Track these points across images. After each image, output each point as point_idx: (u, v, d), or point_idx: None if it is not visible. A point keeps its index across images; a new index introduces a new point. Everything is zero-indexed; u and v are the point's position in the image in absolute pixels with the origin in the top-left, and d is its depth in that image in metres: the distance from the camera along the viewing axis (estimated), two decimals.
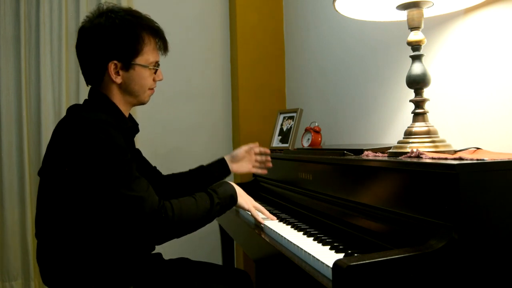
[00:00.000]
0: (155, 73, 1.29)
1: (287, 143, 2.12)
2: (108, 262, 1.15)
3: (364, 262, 0.73)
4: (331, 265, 0.80)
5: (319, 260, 0.91)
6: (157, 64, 1.29)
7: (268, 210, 1.56)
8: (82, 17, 2.54)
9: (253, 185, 2.12)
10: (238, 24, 2.71)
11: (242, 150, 1.66)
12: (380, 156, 1.16)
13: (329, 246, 1.03)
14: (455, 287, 0.78)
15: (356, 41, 1.91)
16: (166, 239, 1.14)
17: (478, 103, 1.23)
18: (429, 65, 1.37)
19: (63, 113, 2.54)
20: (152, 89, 1.30)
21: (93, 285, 1.13)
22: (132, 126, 1.29)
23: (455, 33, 1.32)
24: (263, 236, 1.27)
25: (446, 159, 0.90)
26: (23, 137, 2.50)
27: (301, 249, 1.01)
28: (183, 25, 2.79)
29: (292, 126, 2.15)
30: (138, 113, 2.54)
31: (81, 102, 2.56)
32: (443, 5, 1.22)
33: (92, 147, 1.08)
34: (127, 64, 1.22)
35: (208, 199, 1.21)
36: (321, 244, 1.07)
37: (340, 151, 1.27)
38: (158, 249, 1.37)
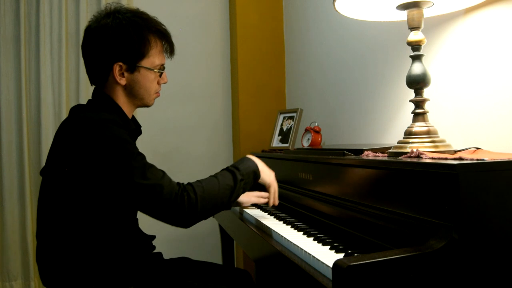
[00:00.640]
0: (160, 76, 1.28)
1: (287, 143, 2.12)
2: (109, 262, 1.15)
3: (364, 262, 0.73)
4: (331, 265, 0.80)
5: (319, 260, 0.91)
6: (162, 67, 1.28)
7: (268, 210, 1.56)
8: (82, 17, 2.59)
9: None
10: (238, 24, 2.71)
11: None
12: (380, 156, 1.16)
13: (329, 246, 1.03)
14: (455, 287, 0.78)
15: (356, 41, 1.91)
16: (193, 222, 1.13)
17: (478, 103, 1.23)
18: (429, 65, 1.37)
19: (63, 113, 2.54)
20: (157, 92, 1.30)
21: (93, 286, 1.12)
22: (135, 129, 1.29)
23: (455, 33, 1.32)
24: (263, 236, 1.27)
25: (446, 159, 0.90)
26: (23, 137, 2.50)
27: (301, 249, 1.01)
28: (183, 25, 2.79)
29: (292, 126, 2.15)
30: (138, 113, 2.54)
31: (81, 102, 2.59)
32: (443, 5, 1.22)
33: (100, 144, 1.08)
34: (132, 66, 1.21)
35: (231, 177, 1.20)
36: (321, 244, 1.07)
37: (340, 151, 1.27)
38: (158, 248, 1.37)
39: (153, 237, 1.33)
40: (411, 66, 1.16)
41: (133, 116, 1.32)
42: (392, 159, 1.04)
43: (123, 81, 1.22)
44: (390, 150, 1.15)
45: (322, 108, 2.26)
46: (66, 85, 2.57)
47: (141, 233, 1.30)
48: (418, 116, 1.15)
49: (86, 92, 2.58)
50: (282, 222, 1.37)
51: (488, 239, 0.80)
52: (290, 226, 1.30)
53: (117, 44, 1.19)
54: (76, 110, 1.22)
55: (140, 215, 1.23)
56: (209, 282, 1.32)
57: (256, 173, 1.28)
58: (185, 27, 2.80)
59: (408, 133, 1.14)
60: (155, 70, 1.25)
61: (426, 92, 1.17)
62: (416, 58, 1.16)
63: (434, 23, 1.37)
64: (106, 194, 1.11)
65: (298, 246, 1.03)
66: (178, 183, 1.12)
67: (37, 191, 2.54)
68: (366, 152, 1.22)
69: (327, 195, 1.30)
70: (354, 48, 1.93)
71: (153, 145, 2.70)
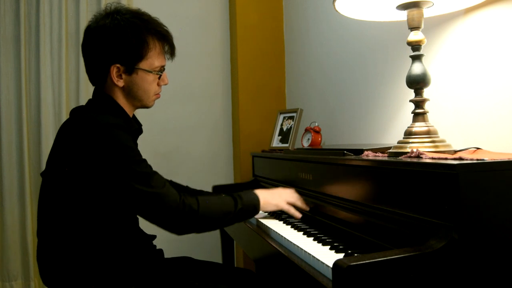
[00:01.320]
0: (159, 77, 1.27)
1: (287, 143, 2.12)
2: (109, 262, 1.15)
3: (364, 262, 0.73)
4: (331, 265, 0.80)
5: (319, 260, 0.91)
6: (162, 68, 1.27)
7: (268, 210, 1.55)
8: (82, 17, 2.59)
9: (253, 185, 2.11)
10: (238, 24, 2.71)
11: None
12: (380, 156, 1.16)
13: (329, 246, 1.03)
14: (455, 287, 0.78)
15: (356, 41, 1.91)
16: (189, 229, 1.15)
17: (478, 103, 1.23)
18: (429, 65, 1.37)
19: (63, 113, 2.54)
20: (157, 94, 1.30)
21: (94, 286, 1.12)
22: (136, 129, 1.29)
23: (455, 33, 1.32)
24: (263, 236, 1.27)
25: (446, 159, 0.90)
26: (23, 137, 2.50)
27: (301, 249, 1.01)
28: (183, 25, 2.79)
29: (292, 126, 2.15)
30: (138, 113, 2.53)
31: (81, 102, 2.59)
32: (443, 5, 1.22)
33: (104, 149, 1.08)
34: (130, 68, 1.21)
35: (232, 202, 1.21)
36: (321, 244, 1.07)
37: (340, 151, 1.27)
38: (159, 246, 1.37)
39: (154, 236, 1.34)
40: (411, 66, 1.16)
41: (133, 115, 1.32)
42: (392, 159, 1.04)
43: (120, 83, 1.22)
44: (390, 150, 1.15)
45: (322, 108, 2.26)
46: (66, 85, 2.57)
47: (141, 233, 1.30)
48: (418, 116, 1.15)
49: (86, 92, 2.58)
50: (282, 222, 1.37)
51: (488, 239, 0.80)
52: (290, 226, 1.30)
53: (114, 46, 1.18)
54: (77, 112, 1.21)
55: None
56: (211, 281, 1.32)
57: (256, 207, 1.27)
58: (185, 27, 2.80)
59: (408, 133, 1.14)
60: (154, 72, 1.24)
61: (426, 92, 1.17)
62: (416, 58, 1.16)
63: (434, 23, 1.37)
64: (107, 197, 1.11)
65: (298, 246, 1.03)
66: (179, 193, 1.14)
67: (37, 191, 2.54)
68: (366, 152, 1.22)
69: (327, 195, 1.30)
70: (354, 48, 1.93)
71: (153, 145, 2.70)
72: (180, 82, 2.77)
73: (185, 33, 2.79)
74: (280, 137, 2.23)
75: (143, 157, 1.52)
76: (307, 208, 1.38)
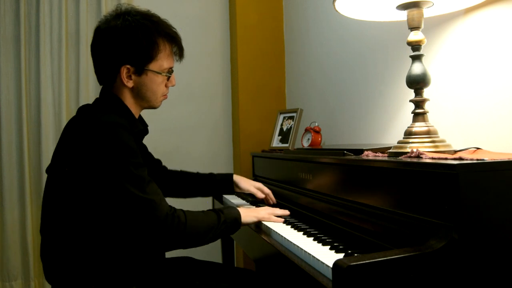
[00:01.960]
0: (168, 79, 1.28)
1: (287, 143, 2.12)
2: (111, 261, 1.15)
3: (364, 262, 0.73)
4: (331, 265, 0.80)
5: (319, 260, 0.91)
6: (170, 70, 1.28)
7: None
8: (82, 17, 2.59)
9: None
10: (238, 24, 2.71)
11: (252, 189, 1.60)
12: (380, 156, 1.16)
13: (329, 246, 1.03)
14: (455, 287, 0.78)
15: (356, 41, 1.91)
16: (174, 246, 1.14)
17: (478, 103, 1.23)
18: (429, 65, 1.37)
19: (63, 113, 2.54)
20: (165, 95, 1.30)
21: (96, 284, 1.13)
22: (142, 129, 1.29)
23: (455, 33, 1.32)
24: (263, 236, 1.27)
25: (446, 159, 0.90)
26: (23, 137, 2.50)
27: (301, 249, 1.01)
28: (183, 25, 2.77)
29: (292, 126, 2.15)
30: None
31: (81, 102, 2.59)
32: (443, 5, 1.22)
33: (106, 149, 1.08)
34: (140, 69, 1.21)
35: (215, 216, 1.21)
36: (321, 244, 1.06)
37: (340, 151, 1.27)
38: None
39: None
40: (411, 66, 1.16)
41: (140, 116, 1.33)
42: (392, 159, 1.04)
43: (130, 84, 1.22)
44: (390, 150, 1.15)
45: (322, 108, 2.26)
46: (66, 85, 2.57)
47: None
48: (418, 116, 1.15)
49: (86, 92, 2.58)
50: (282, 222, 1.37)
51: (488, 239, 0.80)
52: (290, 226, 1.30)
53: (125, 47, 1.18)
54: (84, 110, 1.22)
55: None
56: (211, 281, 1.32)
57: (237, 220, 1.26)
58: (185, 27, 2.79)
59: (408, 133, 1.14)
60: (163, 74, 1.25)
61: (426, 92, 1.17)
62: (416, 58, 1.16)
63: (434, 23, 1.37)
64: (106, 196, 1.11)
65: (298, 246, 1.03)
66: (170, 205, 1.13)
67: (37, 191, 2.54)
68: (366, 152, 1.22)
69: (327, 195, 1.30)
70: (354, 48, 1.93)
71: (153, 145, 2.68)
72: (180, 82, 2.75)
73: (185, 33, 2.76)
74: (280, 137, 2.23)
75: (148, 152, 1.52)
76: (288, 213, 1.40)
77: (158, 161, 1.61)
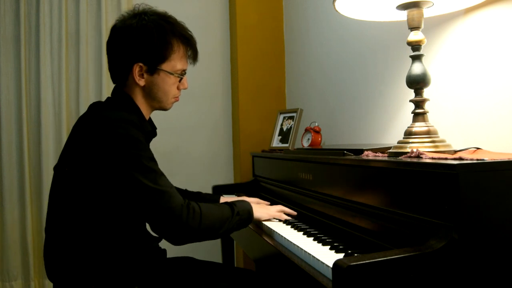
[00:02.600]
0: (180, 81, 1.28)
1: (287, 143, 2.12)
2: (114, 260, 1.15)
3: (364, 262, 0.73)
4: (331, 265, 0.80)
5: (319, 260, 0.91)
6: (183, 72, 1.29)
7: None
8: (82, 17, 2.59)
9: (253, 185, 2.12)
10: (238, 24, 2.71)
11: None
12: (380, 156, 1.16)
13: (329, 246, 1.03)
14: (455, 287, 0.78)
15: (356, 41, 1.91)
16: (190, 239, 1.13)
17: (478, 103, 1.23)
18: (429, 65, 1.37)
19: (63, 113, 2.55)
20: (176, 97, 1.31)
21: (98, 283, 1.13)
22: (151, 131, 1.29)
23: (455, 33, 1.32)
24: (263, 236, 1.27)
25: (446, 159, 0.90)
26: (23, 137, 2.50)
27: (301, 249, 1.01)
28: None
29: (292, 126, 2.15)
30: None
31: (81, 102, 2.59)
32: (443, 5, 1.22)
33: (116, 143, 1.08)
34: (152, 68, 1.22)
35: (229, 208, 1.21)
36: (321, 244, 1.07)
37: (340, 151, 1.27)
38: (163, 246, 1.37)
39: (160, 239, 1.33)
40: (411, 66, 1.16)
41: (150, 118, 1.33)
42: (392, 159, 1.04)
43: (142, 82, 1.23)
44: (390, 150, 1.15)
45: (322, 108, 2.26)
46: (66, 85, 2.57)
47: (147, 234, 1.30)
48: (418, 116, 1.15)
49: (86, 92, 2.58)
50: (282, 222, 1.37)
51: (488, 239, 0.80)
52: (290, 226, 1.30)
53: (139, 45, 1.19)
54: (95, 108, 1.23)
55: None
56: (212, 281, 1.32)
57: (250, 213, 1.27)
58: None
59: (408, 133, 1.14)
60: (175, 75, 1.26)
61: (426, 92, 1.17)
62: (416, 58, 1.16)
63: (434, 23, 1.37)
64: (115, 192, 1.11)
65: (298, 246, 1.03)
66: (184, 198, 1.13)
67: (37, 191, 2.54)
68: (366, 152, 1.22)
69: (327, 195, 1.30)
70: (354, 48, 1.93)
71: (153, 145, 2.68)
72: None
73: None
74: (280, 137, 2.23)
75: None
76: (295, 213, 1.43)
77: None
